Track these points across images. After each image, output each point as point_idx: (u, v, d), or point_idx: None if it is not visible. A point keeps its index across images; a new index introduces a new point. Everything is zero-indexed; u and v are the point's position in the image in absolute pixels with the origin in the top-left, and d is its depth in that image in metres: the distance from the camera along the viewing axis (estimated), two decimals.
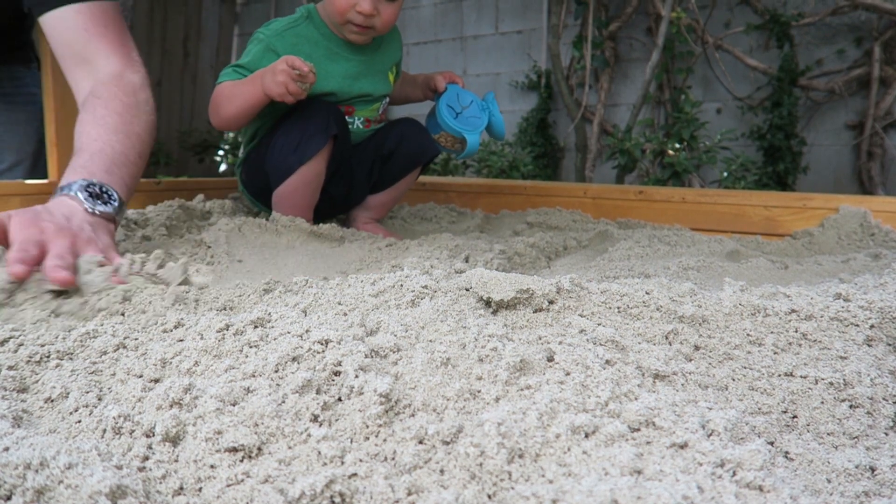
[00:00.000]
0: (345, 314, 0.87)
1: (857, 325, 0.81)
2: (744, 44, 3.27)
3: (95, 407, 0.70)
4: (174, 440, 0.63)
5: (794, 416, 0.67)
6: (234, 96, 1.49)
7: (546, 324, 0.82)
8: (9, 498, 0.53)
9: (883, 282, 0.92)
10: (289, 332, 0.77)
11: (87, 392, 0.73)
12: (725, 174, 2.53)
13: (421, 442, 0.59)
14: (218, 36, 5.87)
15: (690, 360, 0.77)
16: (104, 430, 0.65)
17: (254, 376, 0.70)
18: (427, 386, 0.65)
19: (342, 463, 0.58)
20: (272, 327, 0.80)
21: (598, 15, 3.49)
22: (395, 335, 0.76)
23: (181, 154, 5.63)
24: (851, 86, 3.05)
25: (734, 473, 0.54)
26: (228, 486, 0.57)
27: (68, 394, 0.73)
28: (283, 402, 0.65)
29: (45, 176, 1.71)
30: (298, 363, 0.71)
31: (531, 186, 1.61)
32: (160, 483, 0.59)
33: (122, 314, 0.94)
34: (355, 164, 1.63)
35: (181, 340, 0.81)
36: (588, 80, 3.58)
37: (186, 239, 1.44)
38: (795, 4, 3.05)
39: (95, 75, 1.24)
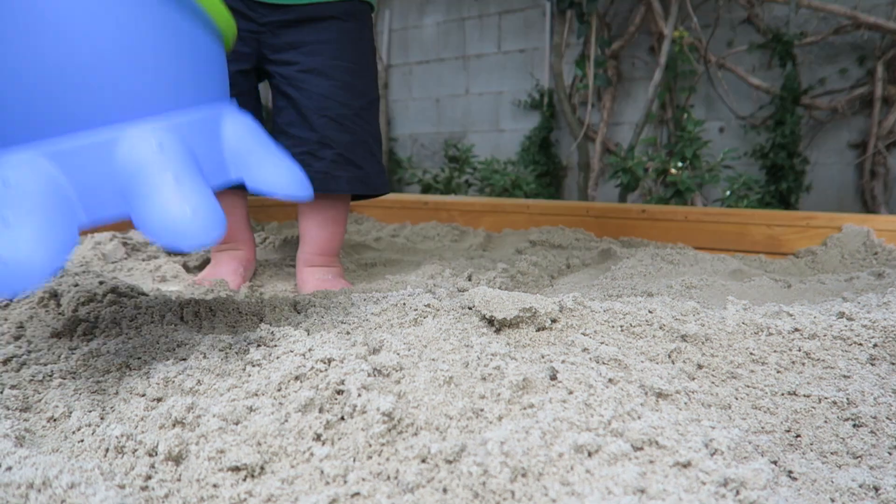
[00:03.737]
0: (348, 333, 0.87)
1: (861, 344, 0.80)
2: (746, 63, 3.29)
3: (98, 426, 0.70)
4: (177, 459, 0.63)
5: (798, 436, 0.67)
6: None
7: (549, 342, 0.82)
8: None
9: (886, 301, 0.92)
10: (292, 351, 0.77)
11: (90, 411, 0.73)
12: (728, 193, 2.54)
13: (424, 461, 0.59)
14: None
15: (693, 379, 0.77)
16: (107, 450, 0.65)
17: (256, 395, 0.70)
18: (430, 405, 0.65)
19: (345, 482, 0.58)
20: (275, 346, 0.81)
21: (601, 34, 3.52)
22: (399, 354, 0.76)
23: None
24: (854, 105, 3.06)
25: (737, 493, 0.54)
26: None
27: (71, 413, 0.74)
28: (286, 420, 0.65)
29: None
30: (301, 382, 0.71)
31: (534, 205, 1.62)
32: (163, 502, 0.59)
33: (127, 333, 0.94)
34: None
35: (184, 360, 0.81)
36: (591, 99, 3.61)
37: None
38: (798, 24, 3.08)
39: None
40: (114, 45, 0.66)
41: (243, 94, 1.06)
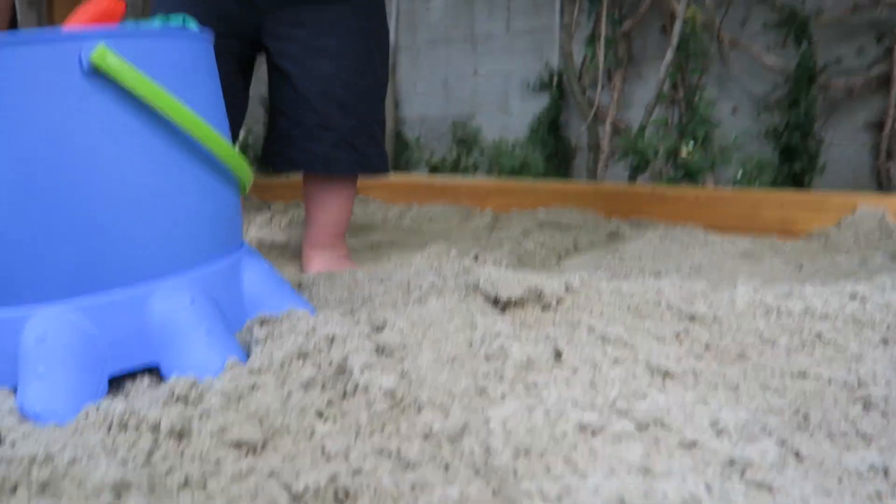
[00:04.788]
0: (352, 311, 0.86)
1: (873, 326, 0.79)
2: (761, 42, 3.23)
3: (101, 402, 0.70)
4: (180, 435, 0.63)
5: (807, 417, 0.66)
6: None
7: (554, 322, 0.82)
8: (14, 491, 0.53)
9: None
10: (295, 329, 0.76)
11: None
12: (740, 174, 2.51)
13: (426, 438, 0.59)
14: None
15: (701, 360, 0.76)
16: (110, 426, 0.65)
17: (259, 373, 0.70)
18: (433, 383, 0.65)
19: (346, 459, 0.58)
20: (279, 324, 0.80)
21: (612, 13, 3.47)
22: (402, 332, 0.75)
23: None
24: (871, 85, 3.00)
25: (743, 472, 0.53)
26: (233, 480, 0.57)
27: None
28: (289, 398, 0.65)
29: None
30: (304, 360, 0.70)
31: (542, 186, 1.59)
32: (165, 477, 0.59)
33: None
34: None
35: None
36: (601, 80, 3.56)
37: None
38: (814, 1, 3.01)
39: None
40: (151, 205, 0.70)
41: (232, 73, 1.01)
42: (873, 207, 1.18)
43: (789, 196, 1.29)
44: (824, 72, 3.07)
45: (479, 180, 1.82)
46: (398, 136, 4.76)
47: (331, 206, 1.15)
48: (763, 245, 1.23)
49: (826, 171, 3.14)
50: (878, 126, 3.21)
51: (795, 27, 2.97)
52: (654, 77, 3.78)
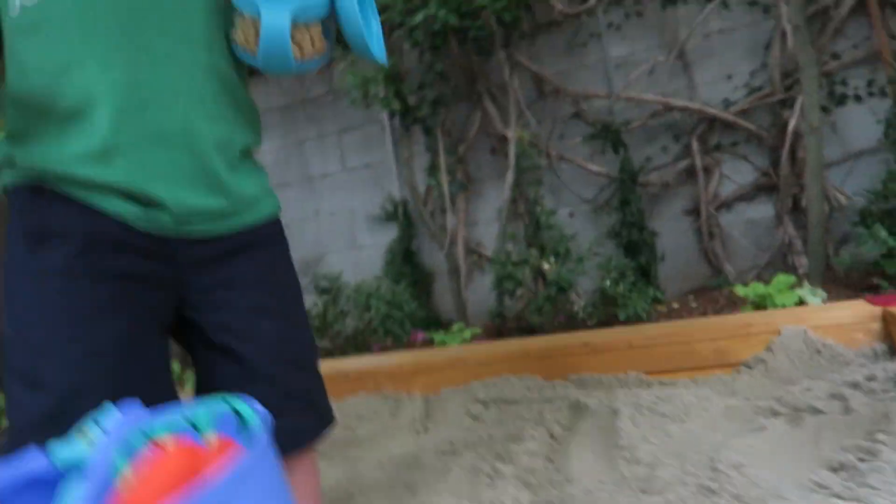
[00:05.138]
0: None
1: None
2: (581, 152, 3.52)
3: None
4: None
5: None
6: None
7: None
8: None
9: None
10: None
11: None
12: (608, 282, 2.63)
13: None
14: None
15: None
16: None
17: None
18: None
19: None
20: None
21: (445, 141, 3.61)
22: None
23: None
24: (682, 177, 3.38)
25: None
26: None
27: None
28: None
29: None
30: None
31: (470, 355, 1.47)
32: None
33: None
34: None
35: None
36: (448, 205, 3.65)
37: None
38: (620, 113, 3.37)
39: None
40: None
41: (153, 359, 0.72)
42: (794, 326, 1.25)
43: (717, 327, 1.32)
44: (641, 171, 3.41)
45: (399, 358, 1.57)
46: None
47: (308, 482, 0.88)
48: (720, 389, 1.17)
49: (665, 259, 3.44)
50: (694, 212, 3.61)
51: (611, 136, 3.30)
52: (493, 195, 3.95)
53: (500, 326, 3.27)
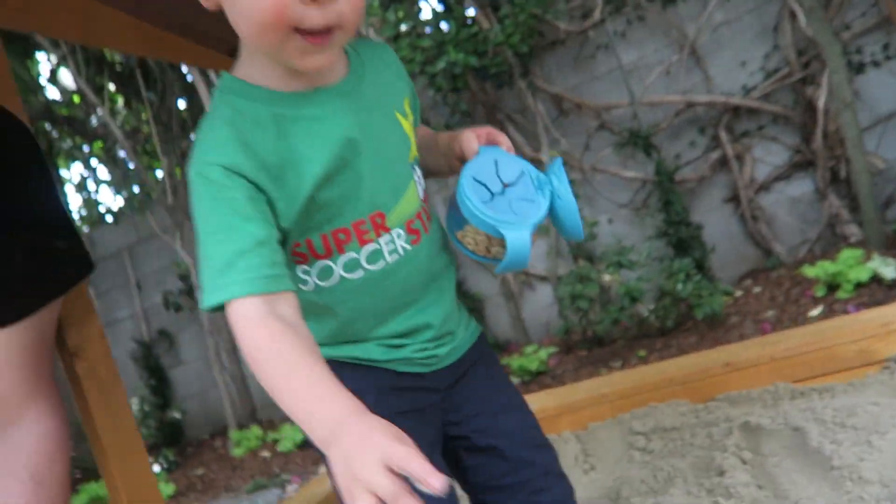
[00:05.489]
0: None
1: None
2: (614, 160, 3.60)
3: None
4: None
5: None
6: (274, 375, 0.66)
7: None
8: None
9: None
10: None
11: None
12: (679, 285, 2.68)
13: None
14: None
15: None
16: None
17: None
18: None
19: None
20: None
21: None
22: None
23: None
24: (715, 168, 3.46)
25: None
26: None
27: None
28: None
29: None
30: None
31: (610, 389, 1.53)
32: None
33: None
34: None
35: None
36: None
37: None
38: (643, 117, 3.46)
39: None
40: None
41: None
42: None
43: (858, 328, 1.37)
44: (676, 171, 3.48)
45: (536, 400, 1.59)
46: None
47: None
48: (883, 393, 1.20)
49: (716, 250, 3.51)
50: (734, 199, 3.68)
51: (641, 142, 3.38)
52: None
53: (567, 341, 3.34)
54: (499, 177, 0.80)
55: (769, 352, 1.45)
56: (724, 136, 3.39)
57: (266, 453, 3.62)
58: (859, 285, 2.41)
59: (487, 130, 0.83)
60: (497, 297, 3.89)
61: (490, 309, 3.95)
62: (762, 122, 3.33)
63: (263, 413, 4.51)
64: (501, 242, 0.77)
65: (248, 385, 4.55)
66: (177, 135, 4.38)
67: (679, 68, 3.41)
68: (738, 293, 3.01)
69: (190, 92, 4.33)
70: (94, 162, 4.83)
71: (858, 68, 3.02)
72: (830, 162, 3.11)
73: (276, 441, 3.64)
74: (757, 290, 2.99)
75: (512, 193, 0.78)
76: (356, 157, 0.75)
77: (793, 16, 3.08)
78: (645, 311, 2.81)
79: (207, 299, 0.66)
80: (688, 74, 3.42)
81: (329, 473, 0.64)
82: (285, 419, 4.16)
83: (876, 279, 2.39)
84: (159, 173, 4.62)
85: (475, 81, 3.47)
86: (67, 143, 4.56)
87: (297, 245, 0.75)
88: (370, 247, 0.78)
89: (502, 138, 0.83)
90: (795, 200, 3.33)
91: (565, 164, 3.63)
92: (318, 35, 0.66)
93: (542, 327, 3.78)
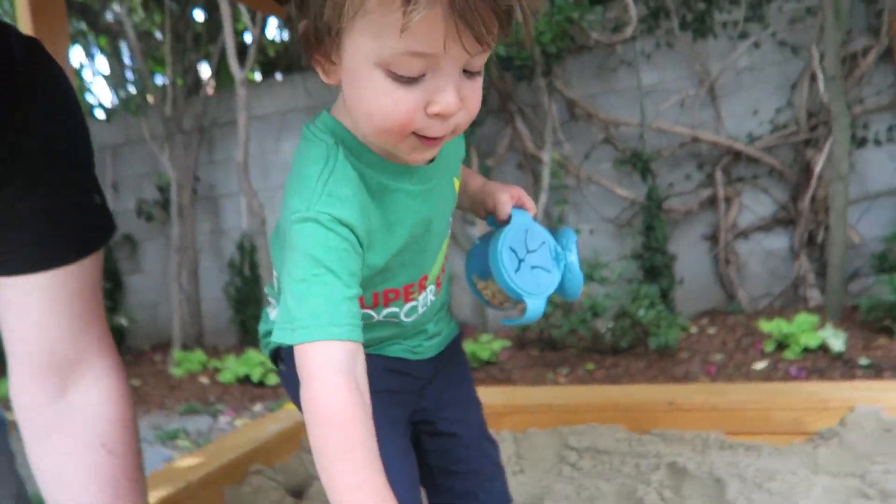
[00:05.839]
0: None
1: None
2: (610, 174, 3.65)
3: None
4: None
5: None
6: (339, 452, 0.65)
7: None
8: None
9: None
10: None
11: None
12: (642, 311, 2.76)
13: None
14: None
15: None
16: None
17: None
18: None
19: None
20: None
21: (474, 154, 3.70)
22: None
23: None
24: (703, 204, 3.53)
25: None
26: None
27: None
28: None
29: None
30: None
31: (559, 403, 1.61)
32: None
33: None
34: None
35: None
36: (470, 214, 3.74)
37: None
38: (649, 140, 3.50)
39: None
40: None
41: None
42: (868, 406, 1.40)
43: (794, 395, 1.47)
44: (666, 199, 3.54)
45: (485, 394, 1.67)
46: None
47: None
48: (814, 461, 1.30)
49: (683, 283, 3.60)
50: (713, 238, 3.77)
51: (640, 165, 3.43)
52: None
53: (522, 338, 3.42)
54: (526, 245, 0.87)
55: (712, 401, 1.52)
56: (719, 176, 3.46)
57: (205, 379, 3.65)
58: (806, 350, 2.51)
59: (518, 194, 0.88)
60: (465, 279, 3.94)
61: (456, 289, 4.01)
62: (758, 172, 3.40)
63: (210, 340, 4.54)
64: (515, 301, 0.86)
65: (201, 309, 4.56)
66: (189, 47, 4.30)
67: (695, 101, 3.45)
68: (694, 329, 3.10)
69: (211, 8, 4.24)
70: (95, 53, 4.70)
71: (861, 142, 3.10)
72: (811, 225, 3.20)
73: (217, 370, 3.67)
74: (711, 330, 3.09)
75: (533, 260, 0.87)
76: (426, 233, 0.80)
77: (813, 78, 3.13)
78: (603, 327, 2.89)
79: (299, 335, 0.66)
80: (701, 109, 3.46)
81: None
82: (231, 350, 4.22)
83: (823, 348, 2.50)
84: (159, 79, 4.54)
85: (496, 69, 3.46)
86: (73, 27, 4.43)
87: None
88: (411, 304, 0.85)
89: (530, 204, 0.89)
90: (769, 253, 3.43)
91: (563, 167, 3.67)
92: (435, 140, 0.70)
93: (502, 318, 3.86)
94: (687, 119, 3.47)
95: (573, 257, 0.88)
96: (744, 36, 3.28)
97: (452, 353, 0.98)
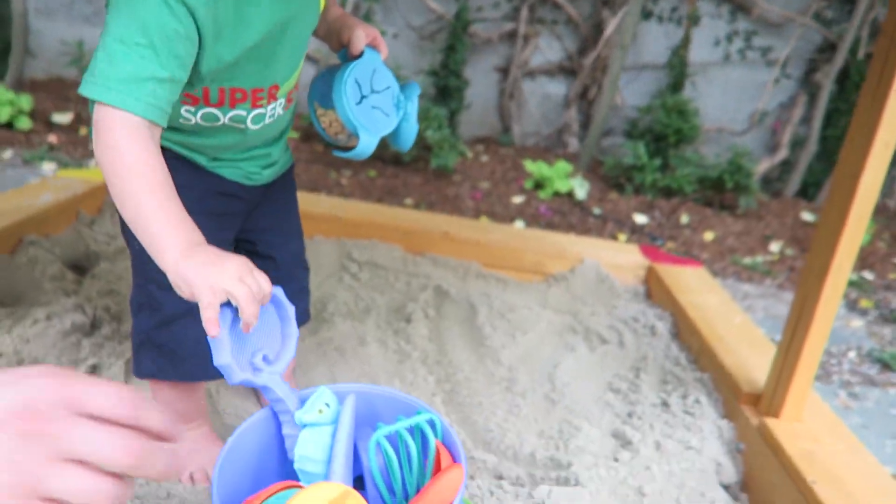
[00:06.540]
0: None
1: None
2: None
3: None
4: None
5: None
6: (140, 186, 0.67)
7: None
8: None
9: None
10: None
11: None
12: (429, 131, 2.90)
13: None
14: None
15: None
16: None
17: None
18: None
19: None
20: None
21: None
22: None
23: None
24: (503, 37, 3.66)
25: None
26: None
27: None
28: None
29: None
30: None
31: (347, 217, 1.70)
32: None
33: None
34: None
35: None
36: None
37: None
38: None
39: None
40: None
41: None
42: (591, 261, 1.76)
43: (543, 246, 1.76)
44: (473, 23, 3.57)
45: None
46: None
47: None
48: (533, 295, 1.58)
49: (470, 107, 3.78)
50: (504, 70, 3.94)
51: None
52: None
53: (311, 131, 3.41)
54: (371, 83, 0.89)
55: (477, 236, 1.77)
56: (525, 13, 3.57)
57: None
58: (556, 193, 2.93)
59: (374, 34, 0.92)
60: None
61: None
62: (558, 18, 3.58)
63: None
64: (350, 135, 0.90)
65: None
66: None
67: None
68: (469, 154, 3.37)
69: None
70: None
71: (646, 16, 3.40)
72: (588, 81, 3.54)
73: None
74: (484, 158, 3.39)
75: (375, 101, 0.89)
76: (282, 36, 0.81)
77: None
78: None
79: (99, 92, 0.66)
80: None
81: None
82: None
83: (570, 194, 2.94)
84: None
85: None
86: None
87: (195, 90, 0.78)
88: (258, 111, 0.86)
89: (384, 47, 0.93)
90: (546, 97, 3.74)
91: None
92: None
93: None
94: None
95: (413, 108, 0.92)
96: None
97: (284, 182, 1.03)
